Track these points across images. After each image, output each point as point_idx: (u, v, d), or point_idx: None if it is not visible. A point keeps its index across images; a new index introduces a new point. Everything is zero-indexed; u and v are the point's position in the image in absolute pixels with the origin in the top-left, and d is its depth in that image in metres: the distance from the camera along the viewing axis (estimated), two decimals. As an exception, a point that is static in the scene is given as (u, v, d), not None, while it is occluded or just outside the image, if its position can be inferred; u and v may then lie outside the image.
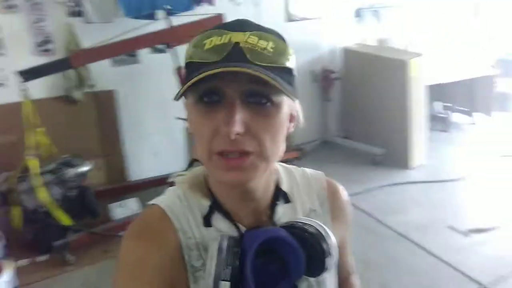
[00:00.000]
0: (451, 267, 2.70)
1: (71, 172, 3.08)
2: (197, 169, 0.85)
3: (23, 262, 2.90)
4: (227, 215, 0.79)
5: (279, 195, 0.83)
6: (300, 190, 0.88)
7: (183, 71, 2.83)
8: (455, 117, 5.35)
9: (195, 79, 0.62)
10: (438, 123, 5.20)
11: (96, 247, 3.05)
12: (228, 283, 0.66)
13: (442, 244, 2.96)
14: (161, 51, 3.75)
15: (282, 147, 0.73)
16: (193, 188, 0.81)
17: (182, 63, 2.77)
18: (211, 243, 0.71)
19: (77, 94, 3.48)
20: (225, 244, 0.69)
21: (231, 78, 0.62)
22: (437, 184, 3.89)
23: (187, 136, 4.10)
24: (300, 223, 0.76)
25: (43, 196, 2.86)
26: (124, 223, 3.09)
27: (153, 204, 0.81)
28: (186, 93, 0.67)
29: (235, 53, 0.65)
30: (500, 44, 5.78)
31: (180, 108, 3.27)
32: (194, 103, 0.68)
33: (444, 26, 5.49)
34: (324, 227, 0.75)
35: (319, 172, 0.94)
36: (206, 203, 0.79)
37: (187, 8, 3.55)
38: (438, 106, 5.58)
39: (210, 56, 0.65)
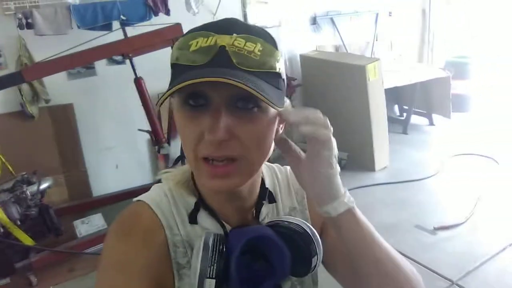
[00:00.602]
0: (421, 265, 2.73)
1: (29, 190, 2.94)
2: (185, 167, 0.83)
3: (-18, 287, 2.78)
4: (213, 213, 0.78)
5: (265, 194, 0.83)
6: (281, 188, 0.89)
7: (142, 82, 2.74)
8: (414, 119, 5.44)
9: (178, 86, 0.59)
10: (398, 125, 5.28)
11: (61, 266, 2.94)
12: (213, 281, 0.65)
13: (411, 243, 3.00)
14: (118, 62, 3.68)
15: (269, 150, 0.72)
16: (180, 185, 0.80)
17: (140, 74, 2.71)
18: (197, 240, 0.70)
19: (33, 109, 3.35)
20: (210, 241, 0.68)
21: (217, 82, 0.60)
22: (402, 184, 3.95)
23: (150, 147, 4.02)
24: (286, 222, 0.76)
25: (1, 216, 2.72)
26: (89, 240, 3.02)
27: (138, 200, 0.78)
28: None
29: (221, 57, 0.63)
30: (448, 47, 5.99)
31: (141, 119, 3.22)
32: (180, 105, 0.67)
33: (395, 30, 5.67)
34: (310, 226, 0.75)
35: None
36: (192, 201, 0.78)
37: (143, 18, 3.48)
38: (397, 109, 5.70)
39: (195, 58, 0.64)
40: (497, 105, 5.65)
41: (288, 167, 0.92)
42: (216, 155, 0.65)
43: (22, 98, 3.29)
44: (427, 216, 3.36)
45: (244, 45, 0.64)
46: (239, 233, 0.72)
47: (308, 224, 0.75)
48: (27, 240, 2.83)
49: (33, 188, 2.98)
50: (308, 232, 0.74)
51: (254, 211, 0.82)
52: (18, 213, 2.84)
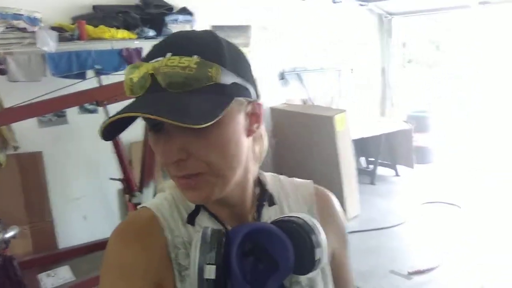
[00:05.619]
0: (399, 310, 2.73)
1: (-8, 239, 2.80)
2: None
3: None
4: (213, 214, 0.78)
5: (265, 196, 0.83)
6: (288, 196, 0.87)
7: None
8: (380, 170, 5.59)
9: (106, 123, 0.63)
10: (366, 176, 5.40)
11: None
12: (213, 267, 0.63)
13: (387, 288, 3.00)
14: (90, 111, 3.66)
15: (239, 155, 0.71)
16: None
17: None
18: (195, 235, 0.68)
19: (0, 156, 3.25)
20: (209, 231, 0.66)
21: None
22: (374, 232, 4.00)
23: (120, 197, 3.93)
24: (286, 217, 0.75)
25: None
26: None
27: (142, 206, 0.80)
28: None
29: (153, 84, 0.63)
30: (408, 102, 6.32)
31: (112, 169, 3.18)
32: (148, 130, 0.69)
33: (357, 86, 6.00)
34: (313, 220, 0.73)
35: (308, 180, 0.92)
36: (193, 204, 0.78)
37: (117, 68, 3.53)
38: (363, 161, 5.86)
39: (135, 91, 0.65)
40: (456, 156, 5.93)
41: (298, 179, 0.92)
42: (180, 174, 0.67)
43: (-11, 145, 3.19)
44: (400, 261, 3.39)
45: (178, 62, 0.63)
46: (238, 227, 0.71)
47: (309, 216, 0.73)
48: (-12, 294, 2.66)
49: (-5, 237, 2.83)
50: (308, 223, 0.71)
51: (256, 214, 0.80)
52: (-21, 264, 2.68)
